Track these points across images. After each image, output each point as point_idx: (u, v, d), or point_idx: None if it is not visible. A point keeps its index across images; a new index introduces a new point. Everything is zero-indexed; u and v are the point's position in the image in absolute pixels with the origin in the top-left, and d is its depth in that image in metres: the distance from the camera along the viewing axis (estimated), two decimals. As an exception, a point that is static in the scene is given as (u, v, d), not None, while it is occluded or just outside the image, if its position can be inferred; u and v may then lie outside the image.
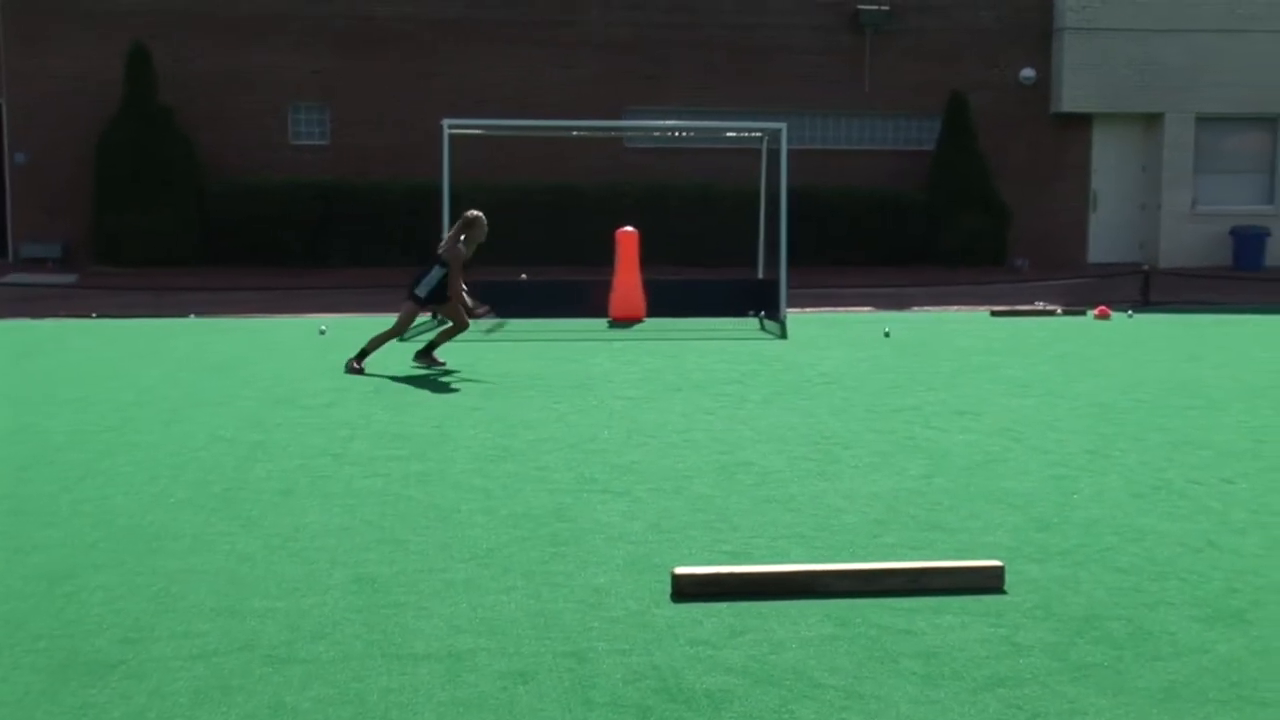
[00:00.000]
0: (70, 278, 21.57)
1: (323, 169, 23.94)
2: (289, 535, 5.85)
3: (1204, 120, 26.13)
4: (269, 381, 10.70)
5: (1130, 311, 17.29)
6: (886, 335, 14.02)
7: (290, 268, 22.37)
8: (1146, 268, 19.97)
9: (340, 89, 24.28)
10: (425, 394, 10.08)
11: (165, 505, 6.40)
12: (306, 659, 4.32)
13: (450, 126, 15.88)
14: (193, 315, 16.48)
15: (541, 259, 21.78)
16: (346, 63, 24.24)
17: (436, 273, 11.60)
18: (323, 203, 23.13)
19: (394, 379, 10.85)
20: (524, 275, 18.47)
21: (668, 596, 4.98)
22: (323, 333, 14.24)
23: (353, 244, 23.17)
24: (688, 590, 4.98)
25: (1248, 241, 25.25)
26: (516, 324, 15.06)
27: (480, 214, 11.77)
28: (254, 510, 6.31)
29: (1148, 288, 18.81)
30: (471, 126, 17.39)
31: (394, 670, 4.22)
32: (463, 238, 11.59)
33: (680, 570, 5.07)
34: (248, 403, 9.61)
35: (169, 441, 8.05)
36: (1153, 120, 26.20)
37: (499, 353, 12.66)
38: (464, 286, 11.84)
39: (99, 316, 16.35)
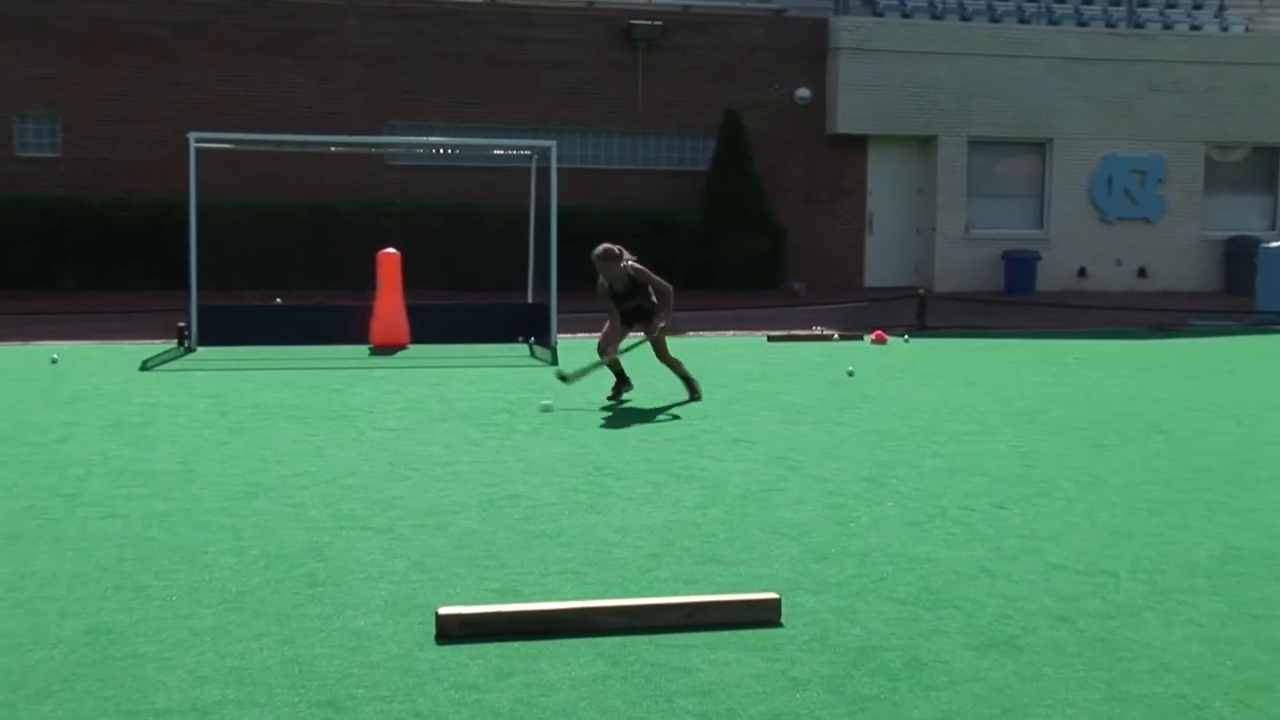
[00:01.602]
0: None
1: (53, 183, 23.07)
2: (11, 584, 5.61)
3: (976, 143, 27.29)
4: (-8, 415, 10.24)
5: (906, 336, 17.89)
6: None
7: (15, 290, 21.46)
8: (922, 292, 20.69)
9: (73, 97, 23.45)
10: (168, 428, 9.79)
11: None
12: None
13: (197, 140, 15.50)
14: (-96, 343, 15.67)
15: (298, 282, 21.46)
16: (80, 69, 23.42)
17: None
18: (53, 220, 22.27)
19: (135, 410, 10.51)
20: (279, 299, 18.13)
21: (432, 638, 4.94)
22: (55, 361, 13.72)
23: (87, 265, 22.34)
24: (453, 631, 4.95)
25: (1019, 265, 26.43)
26: (270, 352, 14.79)
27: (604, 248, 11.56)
28: (-27, 557, 6.03)
29: (923, 312, 19.49)
30: (220, 140, 17.02)
31: (132, 728, 4.09)
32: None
33: (445, 610, 5.03)
34: (-33, 439, 9.18)
35: (-125, 483, 7.64)
36: (927, 142, 27.22)
37: (251, 382, 12.38)
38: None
39: None
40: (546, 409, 10.69)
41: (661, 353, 11.77)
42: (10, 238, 22.01)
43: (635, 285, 11.64)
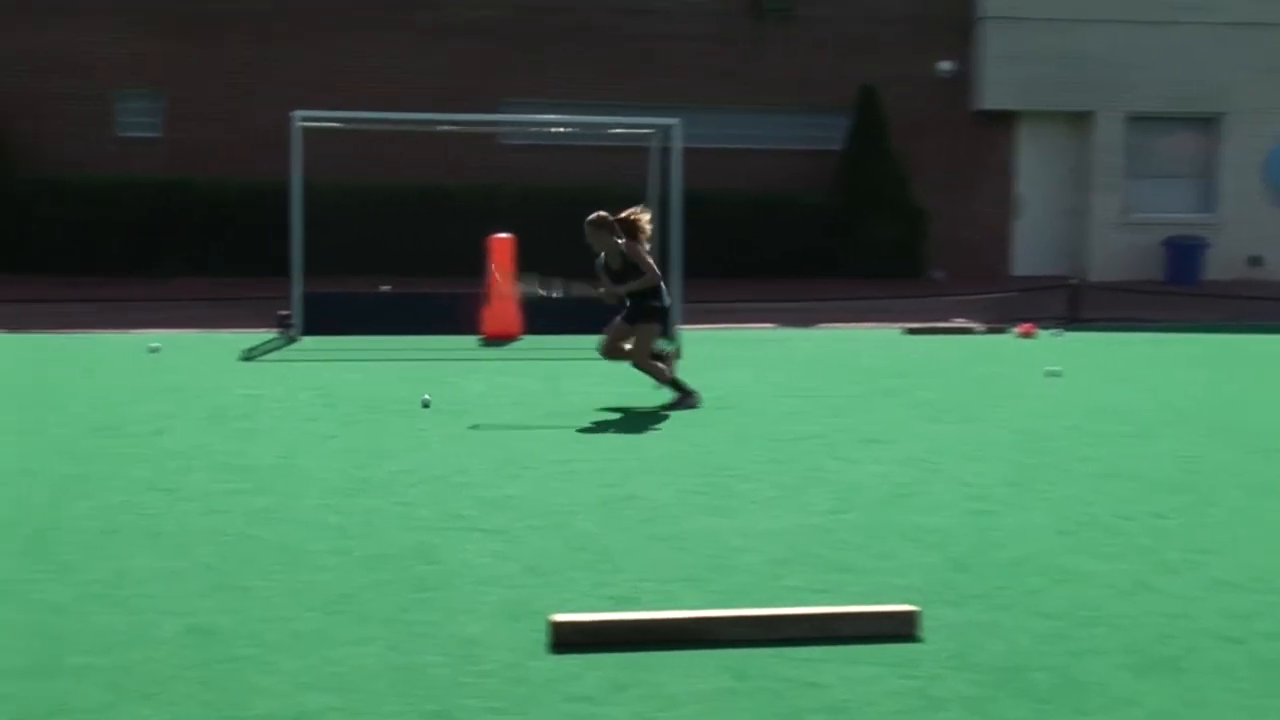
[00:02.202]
0: None
1: (153, 165, 23.58)
2: (111, 582, 5.74)
3: (1135, 119, 26.80)
4: (87, 407, 10.50)
5: (1057, 330, 17.64)
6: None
7: (115, 276, 21.98)
8: (1075, 281, 20.39)
9: (175, 75, 23.95)
10: (271, 420, 9.97)
11: (-33, 548, 6.25)
12: (131, 723, 4.24)
13: (302, 119, 15.73)
14: (-1, 331, 16.12)
15: (406, 269, 21.69)
16: (183, 46, 23.92)
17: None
18: (154, 203, 22.76)
19: (235, 402, 10.72)
20: (386, 287, 18.35)
21: (545, 647, 4.97)
22: (154, 351, 14.03)
23: (187, 250, 22.81)
24: (568, 640, 4.97)
25: (1183, 253, 25.91)
26: (377, 342, 14.98)
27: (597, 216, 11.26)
28: (69, 554, 6.18)
29: (1076, 303, 19.20)
30: (326, 120, 17.26)
31: (232, 734, 4.17)
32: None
33: (559, 618, 5.06)
34: (61, 431, 9.42)
35: (-28, 475, 7.87)
36: (1081, 119, 26.80)
37: (356, 374, 12.56)
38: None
39: (-111, 332, 15.93)
40: (426, 404, 10.58)
41: (639, 353, 11.11)
42: (110, 221, 22.52)
43: (627, 265, 11.15)
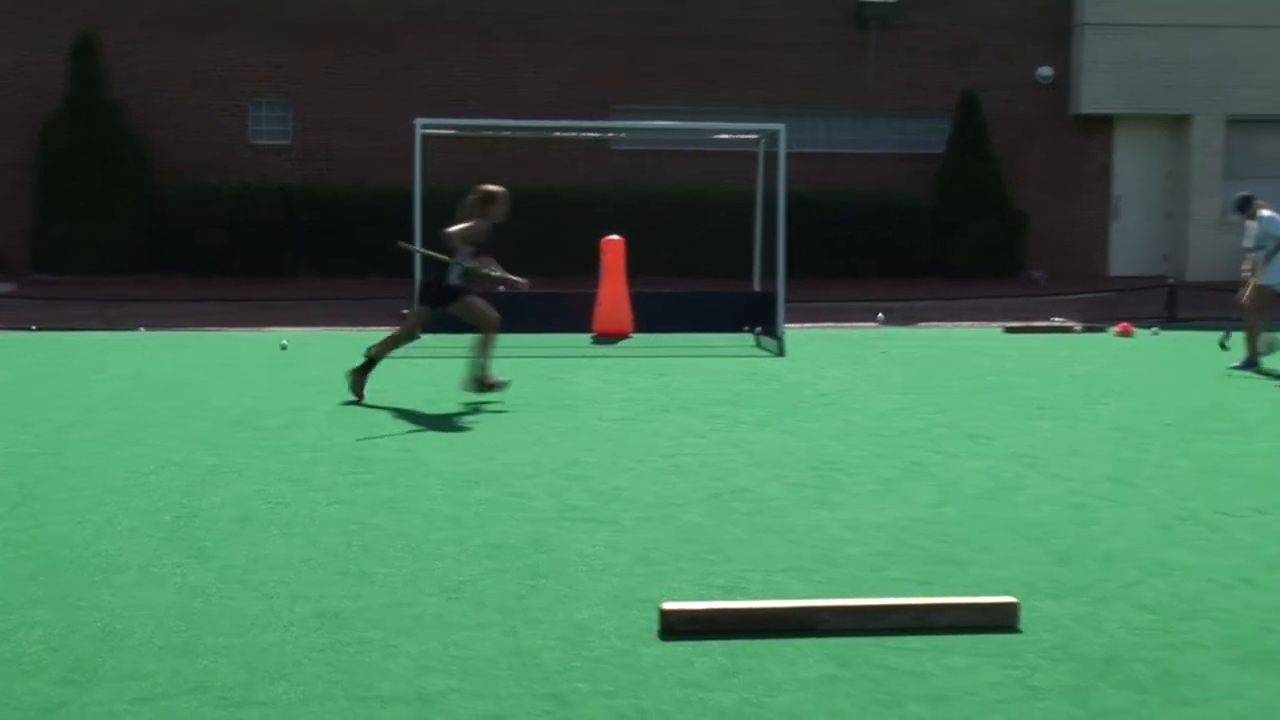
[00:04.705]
0: (7, 286, 21.53)
1: (284, 171, 23.95)
2: (246, 567, 5.83)
3: (1235, 122, 26.27)
4: (224, 401, 10.68)
5: (1155, 329, 17.35)
6: (884, 353, 14.02)
7: (248, 277, 22.35)
8: (1172, 281, 20.05)
9: (304, 85, 24.32)
10: (393, 415, 10.07)
11: (110, 534, 6.38)
12: (264, 701, 4.30)
13: (423, 126, 15.88)
14: (141, 329, 16.45)
15: (521, 268, 21.69)
16: (310, 58, 24.28)
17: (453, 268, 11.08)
18: (284, 207, 23.12)
19: (373, 396, 10.83)
20: (501, 286, 18.43)
21: (655, 634, 4.97)
22: (284, 348, 14.24)
23: (317, 252, 23.14)
24: (677, 627, 4.97)
25: (1281, 255, 25.32)
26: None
27: (499, 188, 11.28)
28: (208, 540, 6.29)
29: (1174, 303, 18.89)
30: (445, 126, 17.42)
31: (359, 713, 4.21)
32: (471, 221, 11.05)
33: (669, 606, 5.06)
34: (200, 424, 9.59)
35: (114, 465, 8.03)
36: (1180, 122, 26.34)
37: (474, 370, 12.65)
38: (491, 268, 11.37)
39: (39, 329, 16.31)
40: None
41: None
42: (242, 225, 22.89)
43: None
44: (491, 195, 11.22)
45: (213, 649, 4.77)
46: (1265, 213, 13.83)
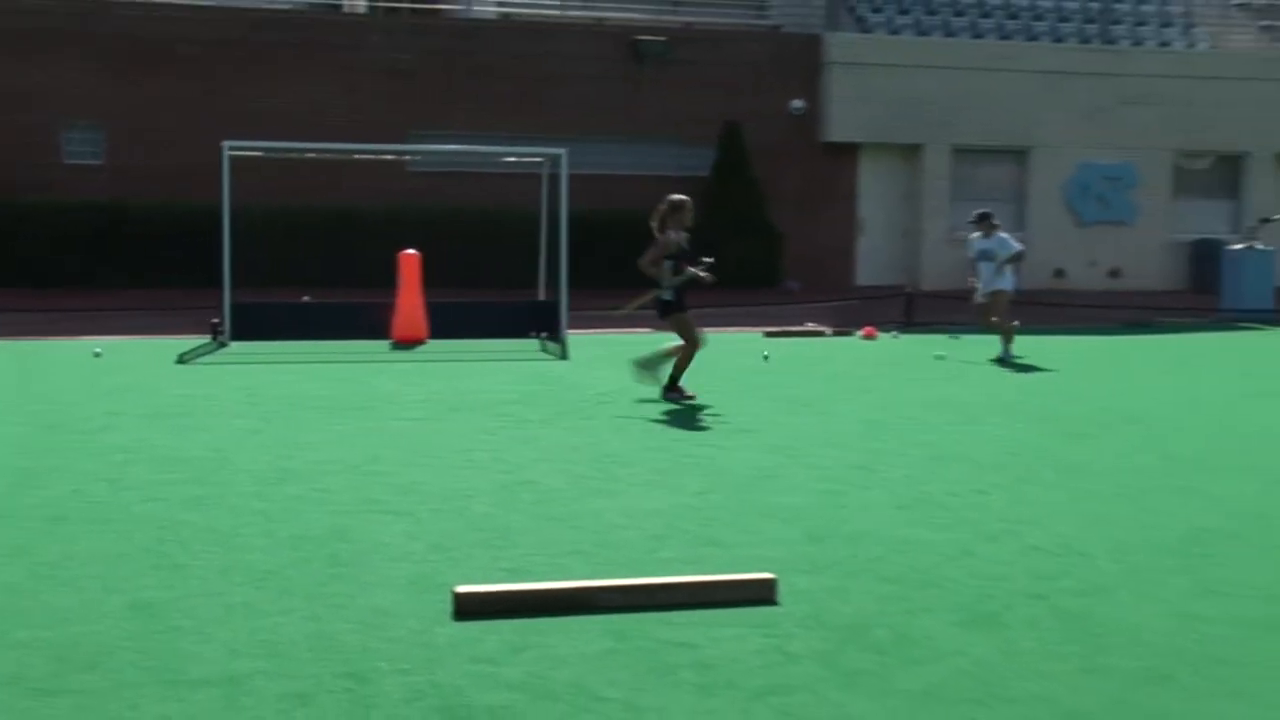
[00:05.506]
0: None
1: (97, 190, 23.09)
2: (58, 563, 5.60)
3: (959, 152, 27.25)
4: (39, 406, 10.24)
5: (895, 332, 17.85)
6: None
7: (65, 290, 21.48)
8: (909, 290, 20.65)
9: (116, 108, 23.46)
10: (204, 418, 9.79)
11: (-75, 535, 6.06)
12: (77, 690, 4.13)
13: (231, 148, 15.48)
14: (-43, 338, 15.66)
15: (325, 281, 21.47)
16: (123, 82, 23.45)
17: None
18: (99, 224, 22.31)
19: (172, 401, 10.51)
20: (306, 297, 18.11)
21: (449, 615, 4.93)
22: (98, 355, 13.72)
23: (128, 267, 22.39)
24: (469, 608, 4.94)
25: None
26: (298, 346, 14.79)
27: (681, 197, 10.96)
28: (20, 539, 6.01)
29: (911, 309, 19.45)
30: (252, 149, 16.99)
31: (170, 697, 4.07)
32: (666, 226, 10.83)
33: (461, 589, 5.02)
34: (15, 429, 9.18)
35: (-70, 469, 7.63)
36: (914, 151, 27.18)
37: (280, 375, 12.38)
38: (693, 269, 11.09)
39: None
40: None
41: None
42: (58, 240, 22.05)
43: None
44: (676, 204, 10.91)
45: (23, 642, 4.56)
46: (1002, 234, 15.02)
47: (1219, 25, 30.35)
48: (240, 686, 4.17)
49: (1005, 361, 14.28)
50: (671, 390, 10.89)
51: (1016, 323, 15.03)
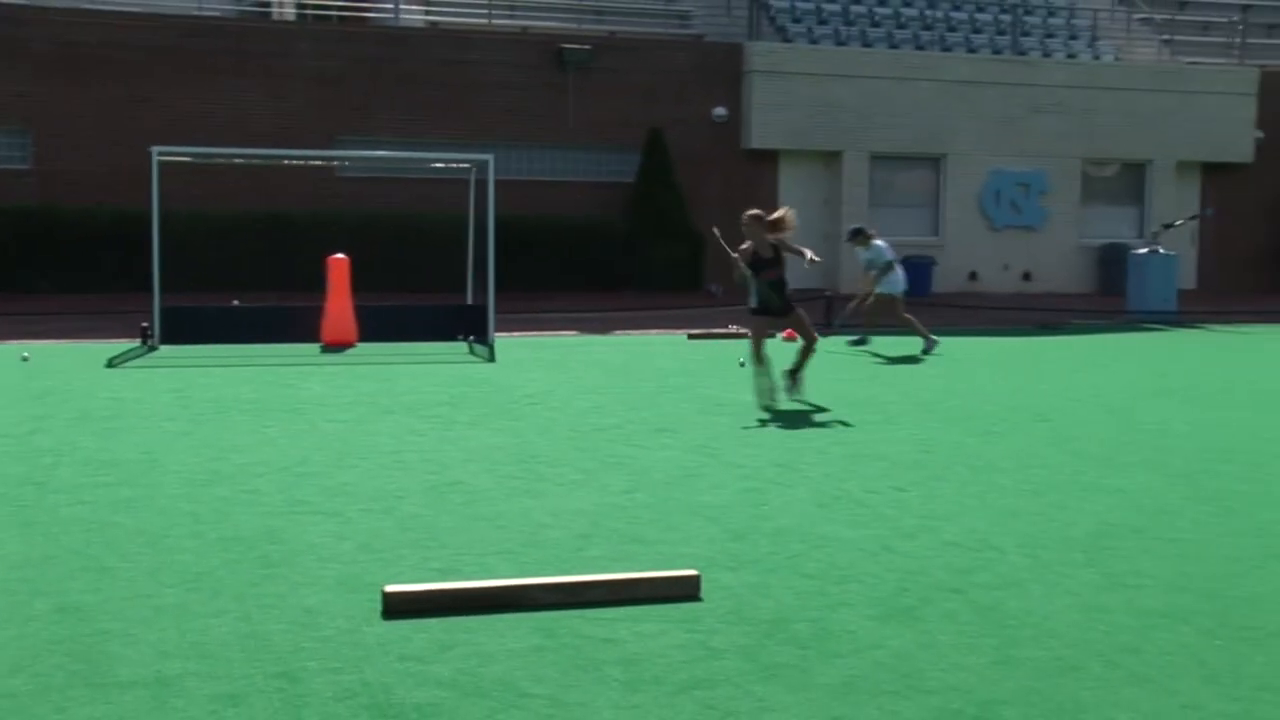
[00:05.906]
0: None
1: (24, 194, 22.66)
2: (-14, 567, 5.50)
3: (877, 158, 27.47)
4: (-35, 410, 10.04)
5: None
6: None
7: (-10, 294, 21.07)
8: (829, 293, 20.78)
9: (44, 114, 23.04)
10: (134, 421, 9.64)
11: None
12: (4, 693, 4.05)
13: (159, 154, 15.25)
14: (-118, 342, 15.31)
15: (254, 285, 21.25)
16: (50, 88, 23.02)
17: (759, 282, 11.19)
18: (24, 228, 21.89)
19: (101, 404, 10.34)
20: (236, 301, 17.90)
21: (379, 614, 4.90)
22: (25, 359, 13.47)
23: (58, 271, 21.99)
24: (398, 607, 4.91)
25: (917, 269, 26.51)
26: (228, 350, 14.62)
27: (758, 212, 11.45)
28: (-52, 542, 5.90)
29: (830, 311, 19.57)
30: (181, 154, 16.75)
31: (98, 699, 4.01)
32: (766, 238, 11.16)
33: (390, 588, 5.00)
34: (-58, 432, 9.00)
35: None
36: (833, 157, 27.37)
37: (210, 378, 12.23)
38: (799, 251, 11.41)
39: None
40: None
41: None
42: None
43: (778, 254, 11.37)
44: (754, 217, 11.35)
45: (-47, 646, 4.48)
46: (877, 242, 16.47)
47: (1123, 39, 30.87)
48: (170, 688, 4.12)
49: (929, 351, 15.52)
50: (791, 375, 11.31)
51: (909, 316, 16.15)
